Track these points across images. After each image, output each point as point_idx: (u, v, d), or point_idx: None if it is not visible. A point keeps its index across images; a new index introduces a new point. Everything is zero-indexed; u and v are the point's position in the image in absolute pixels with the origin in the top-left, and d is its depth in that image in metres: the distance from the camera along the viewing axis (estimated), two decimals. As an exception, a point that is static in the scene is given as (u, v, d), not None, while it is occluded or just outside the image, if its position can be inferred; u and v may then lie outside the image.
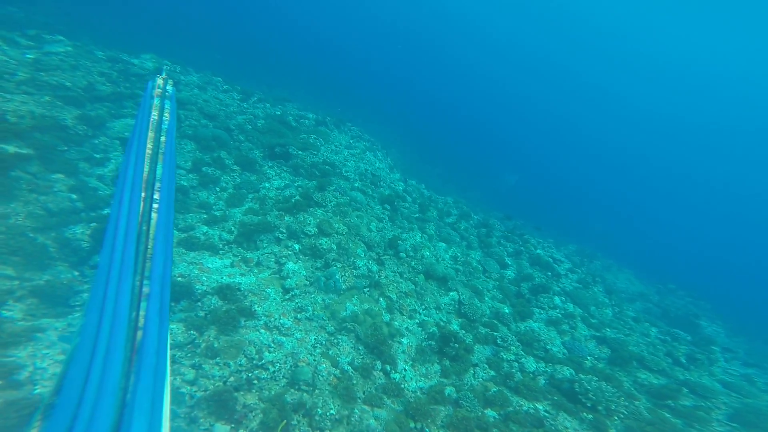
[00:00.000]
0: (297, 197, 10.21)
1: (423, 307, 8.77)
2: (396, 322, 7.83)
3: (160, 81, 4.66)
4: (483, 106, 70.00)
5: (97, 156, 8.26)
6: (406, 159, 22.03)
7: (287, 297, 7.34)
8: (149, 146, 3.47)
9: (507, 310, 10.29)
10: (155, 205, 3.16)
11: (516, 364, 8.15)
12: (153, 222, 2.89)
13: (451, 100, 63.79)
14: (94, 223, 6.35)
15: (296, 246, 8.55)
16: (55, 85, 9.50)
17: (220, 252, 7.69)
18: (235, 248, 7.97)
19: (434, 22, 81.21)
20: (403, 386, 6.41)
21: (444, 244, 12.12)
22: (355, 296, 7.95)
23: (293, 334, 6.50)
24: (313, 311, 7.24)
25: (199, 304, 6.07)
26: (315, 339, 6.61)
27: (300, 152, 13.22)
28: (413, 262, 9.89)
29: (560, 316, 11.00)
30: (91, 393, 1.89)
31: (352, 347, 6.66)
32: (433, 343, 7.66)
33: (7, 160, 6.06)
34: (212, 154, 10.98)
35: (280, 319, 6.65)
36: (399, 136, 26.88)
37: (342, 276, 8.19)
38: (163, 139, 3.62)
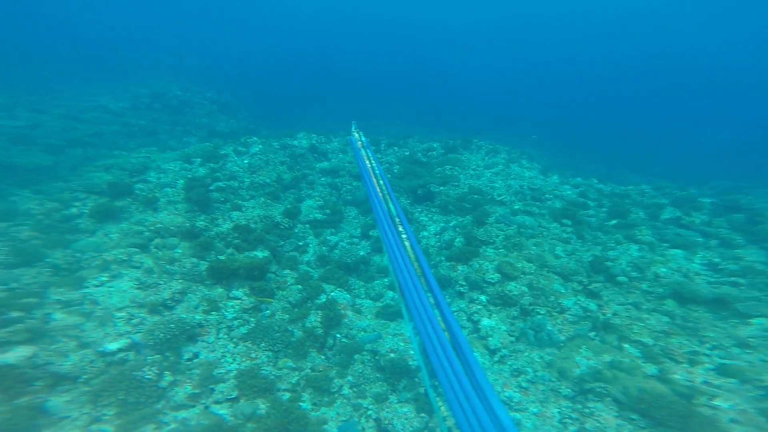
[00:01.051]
0: (459, 239, 9.72)
1: (709, 346, 6.37)
2: (678, 375, 5.82)
3: (356, 135, 5.47)
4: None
5: (301, 243, 9.95)
6: (549, 155, 19.02)
7: (497, 359, 6.61)
8: (378, 189, 4.33)
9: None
10: (404, 235, 3.72)
11: None
12: (409, 247, 3.79)
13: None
14: (320, 311, 7.30)
15: (483, 298, 7.91)
16: (262, 183, 12.26)
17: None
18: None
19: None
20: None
21: (682, 251, 9.15)
22: (583, 347, 6.51)
23: (527, 408, 5.61)
24: (534, 373, 6.23)
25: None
26: (558, 412, 5.52)
27: (441, 188, 12.95)
28: (645, 285, 7.68)
29: None
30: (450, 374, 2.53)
31: (617, 415, 5.22)
32: None
33: (262, 266, 7.76)
34: (371, 215, 11.84)
35: (504, 391, 5.91)
36: (522, 135, 23.66)
37: (554, 324, 6.93)
38: (381, 182, 4.44)
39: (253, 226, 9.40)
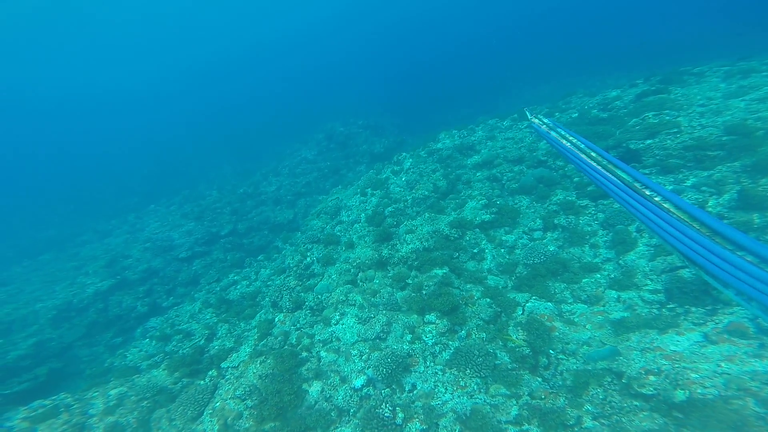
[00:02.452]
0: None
1: None
2: None
3: (535, 120, 4.83)
4: None
5: (475, 251, 9.51)
6: None
7: None
8: (594, 163, 3.70)
9: None
10: (657, 198, 3.27)
11: None
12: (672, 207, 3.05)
13: None
14: (519, 328, 6.58)
15: None
16: (421, 197, 12.73)
17: (677, 325, 5.67)
18: (683, 312, 5.68)
19: None
20: None
21: None
22: None
23: None
24: None
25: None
26: None
27: (649, 142, 9.41)
28: None
29: None
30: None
31: None
32: None
33: (439, 282, 7.88)
34: (550, 199, 9.93)
35: None
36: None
37: None
38: (594, 154, 3.79)
39: (426, 244, 9.78)
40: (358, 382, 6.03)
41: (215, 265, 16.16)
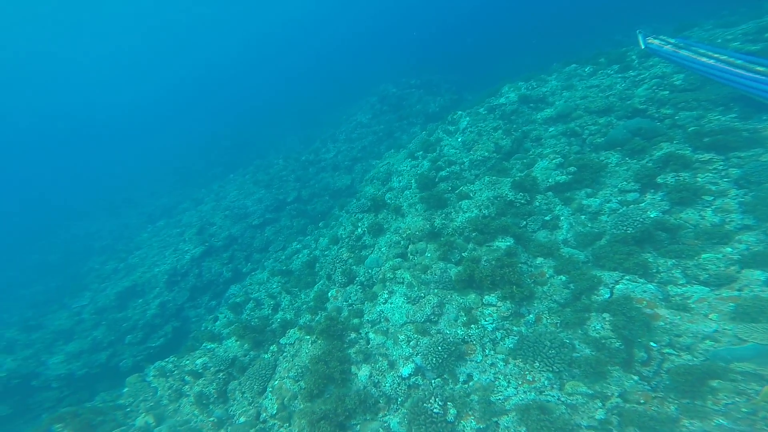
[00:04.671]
0: None
1: None
2: None
3: (654, 41, 4.09)
4: None
5: (548, 218, 7.98)
6: None
7: None
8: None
9: None
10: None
11: None
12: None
13: None
14: (606, 314, 5.25)
15: None
16: (481, 159, 11.17)
17: None
18: None
19: None
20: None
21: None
22: None
23: None
24: None
25: None
26: None
27: None
28: None
29: None
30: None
31: None
32: None
33: (501, 257, 6.71)
34: (651, 154, 7.72)
35: None
36: None
37: None
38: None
39: (486, 212, 8.52)
40: (406, 370, 5.50)
41: (283, 232, 17.03)
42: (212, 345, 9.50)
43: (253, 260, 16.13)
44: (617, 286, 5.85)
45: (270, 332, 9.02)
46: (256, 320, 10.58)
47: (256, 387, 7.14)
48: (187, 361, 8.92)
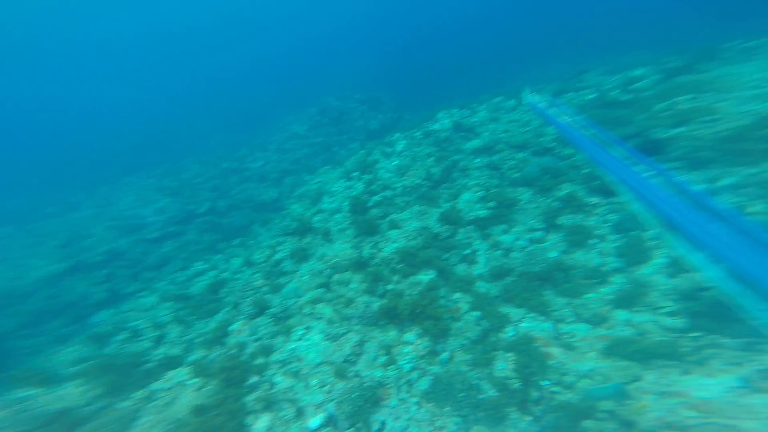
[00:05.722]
0: None
1: None
2: None
3: (536, 98, 4.80)
4: None
5: (467, 252, 8.44)
6: None
7: None
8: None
9: None
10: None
11: None
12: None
13: None
14: (510, 353, 5.65)
15: None
16: (412, 186, 11.46)
17: (703, 362, 4.72)
18: (710, 344, 4.69)
19: None
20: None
21: None
22: None
23: None
24: None
25: None
26: None
27: (678, 130, 8.22)
28: None
29: None
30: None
31: None
32: None
33: (423, 291, 6.87)
34: (556, 194, 8.69)
35: None
36: None
37: None
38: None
39: (413, 243, 8.70)
40: (315, 421, 5.20)
41: (188, 248, 15.20)
42: (33, 391, 7.22)
43: (142, 279, 13.80)
44: (521, 324, 6.38)
45: (142, 373, 7.63)
46: (124, 357, 8.69)
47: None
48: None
